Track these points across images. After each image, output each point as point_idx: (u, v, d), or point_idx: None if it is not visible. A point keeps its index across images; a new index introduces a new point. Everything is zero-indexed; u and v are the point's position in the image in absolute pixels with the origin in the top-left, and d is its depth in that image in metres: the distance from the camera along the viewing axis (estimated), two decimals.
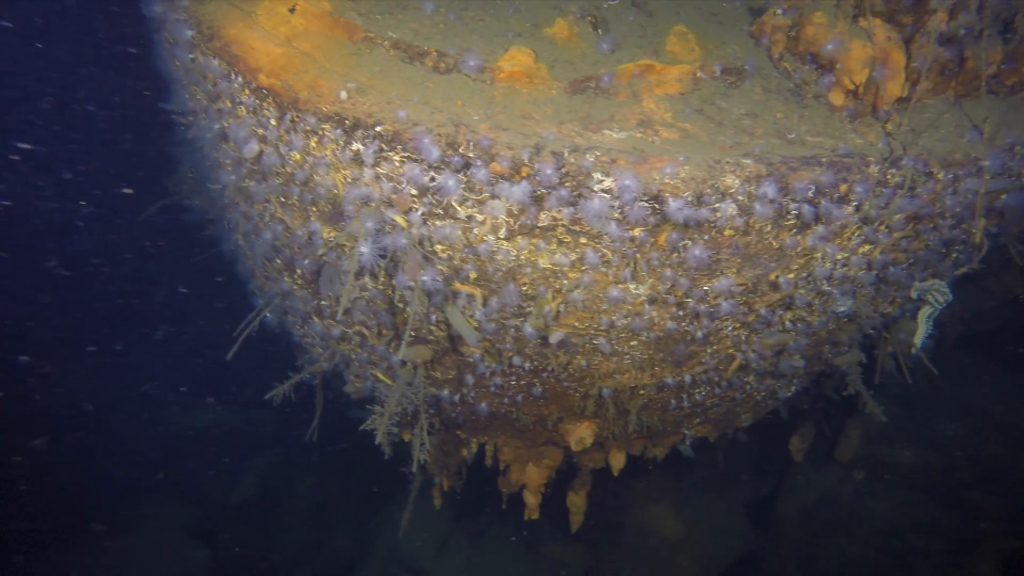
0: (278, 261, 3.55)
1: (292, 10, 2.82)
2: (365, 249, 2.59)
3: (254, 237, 3.49)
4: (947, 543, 5.93)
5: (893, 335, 4.09)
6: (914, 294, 3.70)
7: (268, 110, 2.70)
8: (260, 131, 2.82)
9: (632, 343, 3.17)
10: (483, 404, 3.67)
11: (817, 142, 2.84)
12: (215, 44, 2.70)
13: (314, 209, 2.98)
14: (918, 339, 3.88)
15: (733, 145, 2.61)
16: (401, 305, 3.19)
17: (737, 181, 2.44)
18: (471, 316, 3.03)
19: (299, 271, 3.39)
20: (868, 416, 6.50)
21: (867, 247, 3.03)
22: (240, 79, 2.69)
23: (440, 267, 2.84)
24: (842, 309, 3.41)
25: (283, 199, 3.08)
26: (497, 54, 2.84)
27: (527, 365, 3.33)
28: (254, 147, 2.86)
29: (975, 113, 3.11)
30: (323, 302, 3.40)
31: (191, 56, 2.86)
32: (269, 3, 2.82)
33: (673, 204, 2.37)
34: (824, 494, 6.56)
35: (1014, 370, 6.47)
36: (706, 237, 2.60)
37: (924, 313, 3.80)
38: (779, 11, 3.24)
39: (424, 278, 2.71)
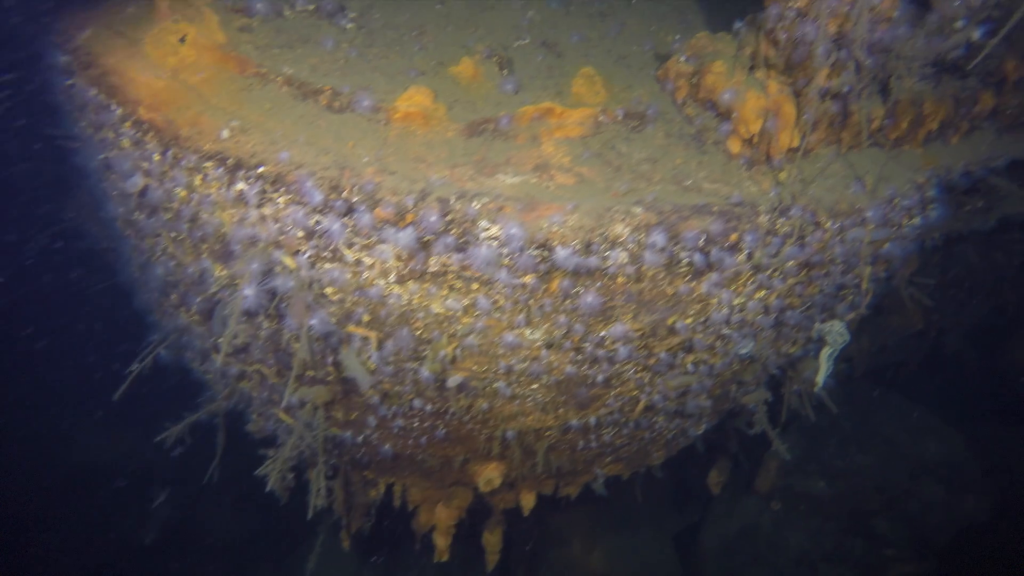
0: (173, 296, 3.39)
1: (182, 40, 2.71)
2: (249, 292, 2.49)
3: (148, 271, 3.32)
4: (855, 571, 6.08)
5: (797, 374, 4.18)
6: (815, 335, 3.80)
7: (150, 144, 2.58)
8: (144, 164, 2.69)
9: (533, 386, 3.13)
10: (387, 446, 3.56)
11: (713, 189, 2.89)
12: (92, 72, 2.57)
13: (205, 246, 2.85)
14: (820, 378, 3.99)
15: (627, 192, 2.63)
16: (296, 346, 3.07)
17: (627, 230, 2.45)
18: (367, 359, 2.94)
19: (193, 308, 3.24)
20: (786, 448, 6.67)
21: (762, 292, 3.09)
22: (120, 111, 2.56)
23: (332, 309, 2.75)
24: (744, 351, 3.47)
25: (173, 234, 2.94)
26: (397, 93, 2.79)
27: (428, 408, 3.25)
28: (138, 181, 2.73)
29: (861, 164, 3.24)
30: (220, 340, 3.25)
31: (69, 83, 2.72)
32: (158, 32, 2.72)
33: (561, 252, 2.36)
34: (744, 525, 6.66)
35: (917, 400, 6.76)
36: (598, 284, 2.60)
37: (825, 353, 3.90)
38: (682, 58, 3.32)
39: (312, 322, 2.62)
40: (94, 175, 3.22)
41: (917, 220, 3.33)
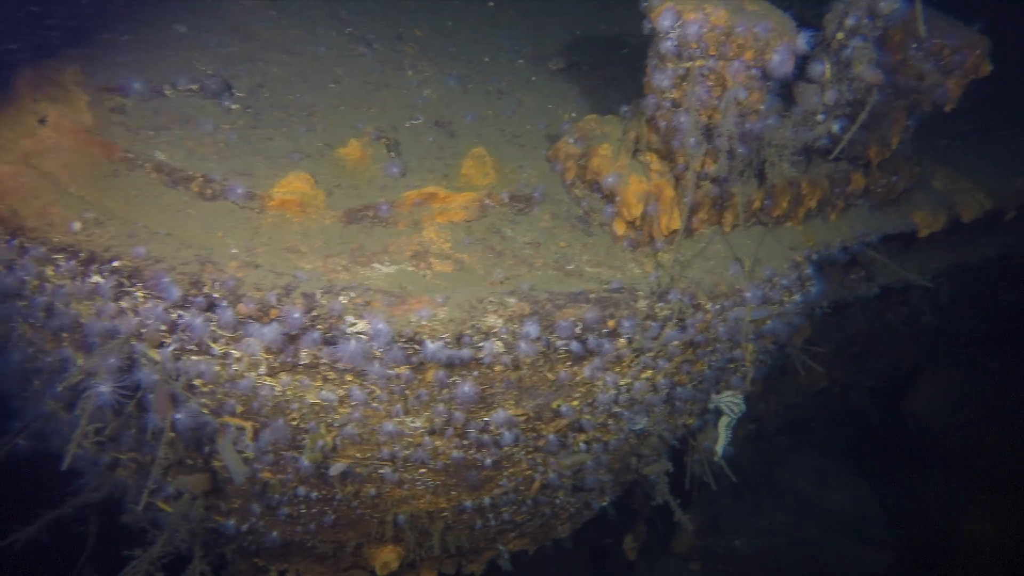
0: (36, 383, 3.17)
1: (42, 121, 2.61)
2: (104, 389, 2.35)
3: (5, 356, 3.11)
4: None
5: (698, 443, 4.24)
6: (711, 406, 3.87)
7: None
8: None
9: (420, 471, 3.06)
10: (274, 533, 3.39)
11: (595, 273, 2.94)
12: None
13: (65, 335, 2.69)
14: (719, 447, 4.04)
15: (504, 280, 2.64)
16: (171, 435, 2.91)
17: (500, 321, 2.45)
18: (244, 449, 2.81)
19: (57, 396, 3.04)
20: (701, 508, 6.72)
21: (649, 372, 3.13)
22: None
23: (204, 400, 2.62)
24: (638, 427, 3.49)
25: (31, 321, 2.77)
26: (276, 178, 2.75)
27: (314, 495, 3.12)
28: None
29: (742, 245, 3.36)
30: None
31: None
32: (14, 111, 2.60)
33: (431, 346, 2.33)
34: None
35: (826, 454, 6.96)
36: (475, 373, 2.58)
37: (723, 423, 3.97)
38: (571, 140, 3.40)
39: (177, 416, 2.49)
40: None
41: (797, 297, 3.46)
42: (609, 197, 3.14)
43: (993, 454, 7.37)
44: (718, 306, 3.06)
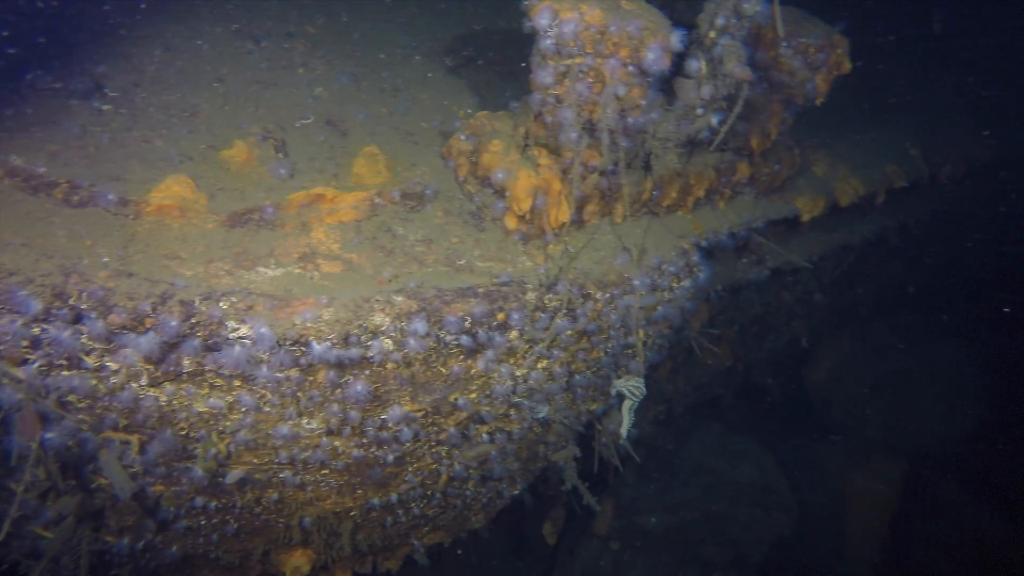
0: None
1: None
2: None
3: None
4: None
5: (604, 427, 4.38)
6: (613, 391, 4.00)
7: None
8: None
9: (322, 472, 3.04)
10: (173, 548, 3.29)
11: (486, 267, 2.99)
12: None
13: None
14: (623, 429, 4.19)
15: (392, 279, 2.66)
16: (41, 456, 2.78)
17: (387, 319, 2.46)
18: (132, 463, 2.72)
19: None
20: (618, 489, 6.95)
21: (545, 362, 3.22)
22: None
23: (81, 416, 2.52)
24: (541, 415, 3.59)
25: None
26: (155, 182, 2.66)
27: (212, 504, 3.06)
28: None
29: (632, 234, 3.50)
30: None
31: None
32: None
33: (318, 348, 2.33)
34: (586, 569, 6.81)
35: (733, 430, 7.33)
36: (366, 372, 2.59)
37: (626, 406, 4.11)
38: (462, 136, 3.44)
39: (47, 435, 2.38)
40: None
41: (686, 283, 3.63)
42: (500, 192, 3.20)
43: (879, 415, 7.98)
44: (607, 295, 3.18)
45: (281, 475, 2.95)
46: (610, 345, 3.52)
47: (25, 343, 2.23)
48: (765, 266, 5.09)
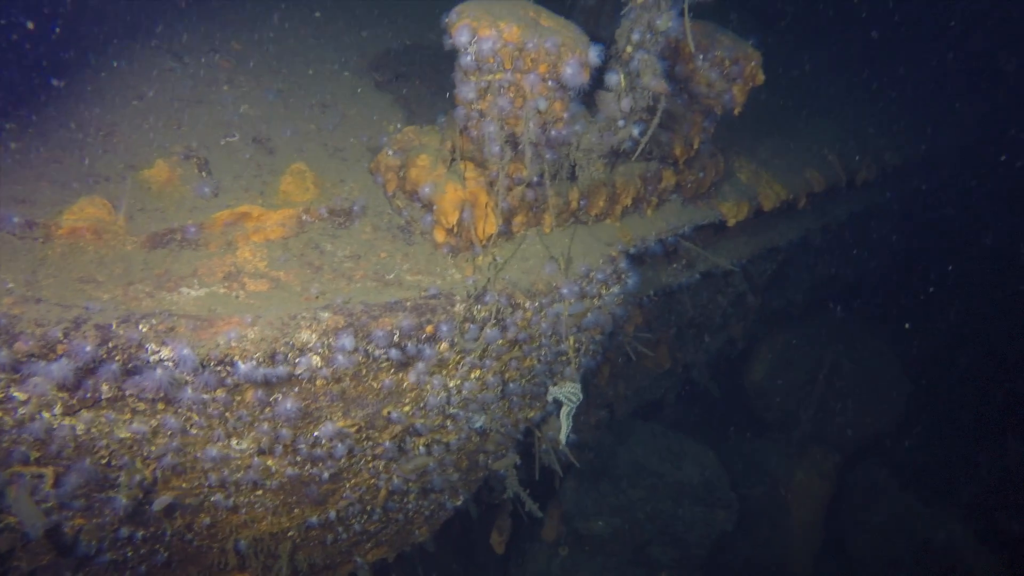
0: None
1: None
2: None
3: None
4: None
5: (543, 434, 4.45)
6: (550, 398, 4.07)
7: None
8: None
9: (257, 493, 3.01)
10: None
11: (415, 281, 3.02)
12: None
13: None
14: (562, 436, 4.26)
15: (319, 295, 2.66)
16: None
17: (314, 336, 2.47)
18: (45, 497, 2.63)
19: None
20: (563, 494, 7.03)
21: (477, 372, 3.26)
22: None
23: None
24: (477, 425, 3.62)
25: None
26: (67, 204, 2.60)
27: (139, 534, 2.97)
28: None
29: (560, 243, 3.59)
30: None
31: None
32: None
33: (243, 367, 2.31)
34: (536, 574, 6.86)
35: (676, 429, 7.52)
36: (295, 390, 2.58)
37: (564, 412, 4.18)
38: (390, 152, 3.47)
39: None
40: None
41: (615, 289, 3.74)
42: (428, 206, 3.24)
43: (814, 410, 8.32)
44: (536, 304, 3.25)
45: (212, 498, 2.90)
46: (542, 353, 3.59)
47: None
48: (695, 270, 5.27)
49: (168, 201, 2.88)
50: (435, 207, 3.18)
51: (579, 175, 3.60)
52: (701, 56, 3.98)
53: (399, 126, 4.08)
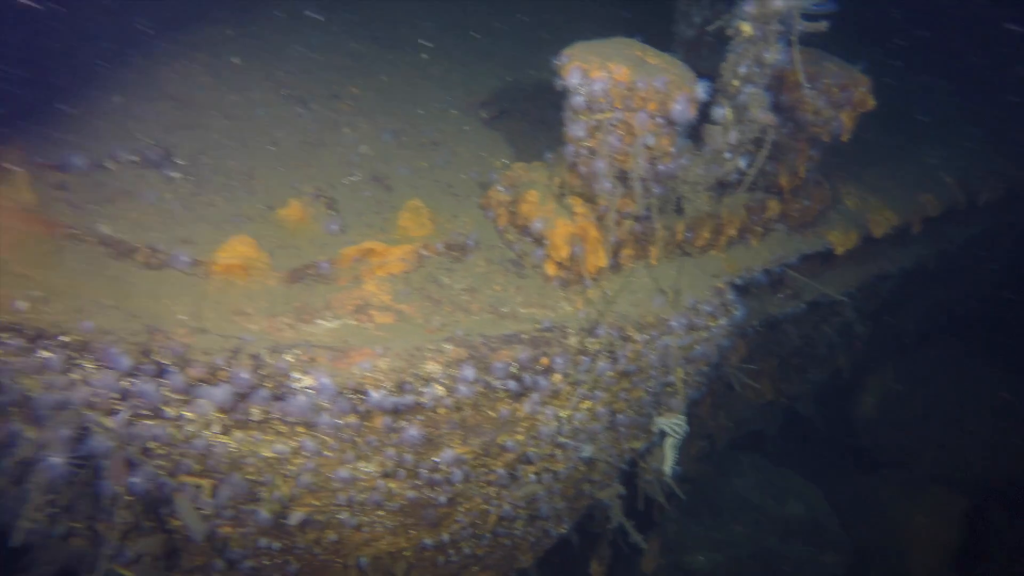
0: None
1: None
2: (57, 460, 2.43)
3: None
4: None
5: (647, 465, 4.43)
6: (656, 428, 4.08)
7: None
8: None
9: (378, 513, 3.17)
10: None
11: (528, 314, 3.14)
12: None
13: (14, 409, 2.76)
14: (667, 467, 4.24)
15: (442, 327, 2.82)
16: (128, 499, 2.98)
17: (438, 367, 2.62)
18: (203, 505, 2.89)
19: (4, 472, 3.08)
20: (664, 526, 6.90)
21: (588, 403, 3.33)
22: None
23: (159, 462, 2.71)
24: (584, 454, 3.68)
25: None
26: (220, 243, 2.89)
27: (275, 545, 3.20)
28: None
29: (667, 276, 3.61)
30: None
31: None
32: None
33: (375, 395, 2.48)
34: None
35: (780, 464, 7.25)
36: (420, 417, 2.73)
37: (668, 443, 4.18)
38: (500, 188, 3.63)
39: (133, 480, 2.57)
40: None
41: (722, 321, 3.72)
42: (539, 240, 3.36)
43: (934, 448, 7.79)
44: (646, 336, 3.29)
45: (339, 516, 3.09)
46: (650, 384, 3.61)
47: (115, 395, 2.44)
48: (801, 300, 5.13)
49: (302, 238, 3.14)
50: (546, 241, 3.29)
51: (685, 207, 3.63)
52: (807, 85, 3.94)
53: (506, 162, 4.25)
